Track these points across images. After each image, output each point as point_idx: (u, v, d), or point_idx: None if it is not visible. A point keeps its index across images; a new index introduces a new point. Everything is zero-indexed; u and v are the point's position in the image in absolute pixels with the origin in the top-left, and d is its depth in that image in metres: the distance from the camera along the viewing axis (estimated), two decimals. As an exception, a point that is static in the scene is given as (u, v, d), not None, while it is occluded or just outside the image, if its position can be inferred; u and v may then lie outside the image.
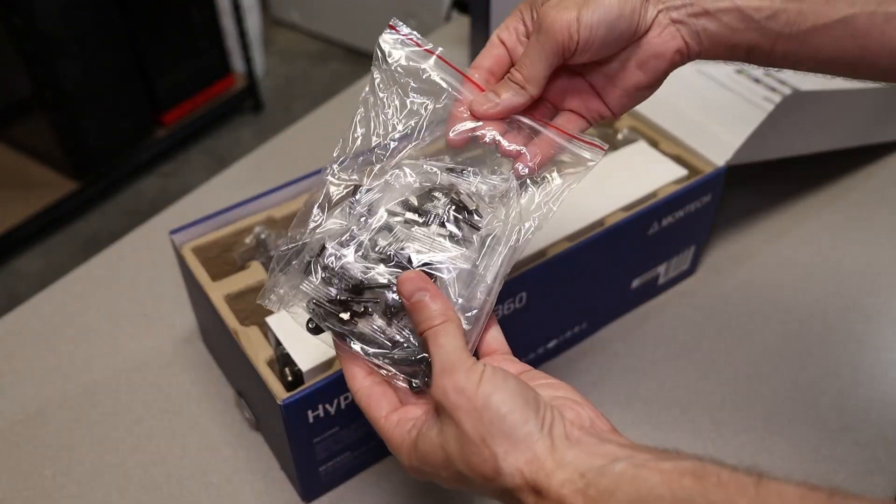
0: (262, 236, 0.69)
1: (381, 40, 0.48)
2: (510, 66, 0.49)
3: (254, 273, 0.66)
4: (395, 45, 0.48)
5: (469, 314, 0.46)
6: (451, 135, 0.48)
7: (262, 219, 0.70)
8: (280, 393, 0.56)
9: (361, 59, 2.60)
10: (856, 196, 0.91)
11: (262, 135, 2.28)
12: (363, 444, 0.64)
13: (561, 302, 0.70)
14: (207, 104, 2.27)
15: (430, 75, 0.48)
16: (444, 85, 0.48)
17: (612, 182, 0.73)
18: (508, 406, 0.40)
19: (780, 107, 0.70)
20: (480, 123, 0.48)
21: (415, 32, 0.49)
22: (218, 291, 0.64)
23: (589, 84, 0.50)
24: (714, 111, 0.81)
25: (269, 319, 0.61)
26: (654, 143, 0.77)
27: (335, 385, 0.57)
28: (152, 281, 0.83)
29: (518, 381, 0.41)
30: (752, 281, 0.82)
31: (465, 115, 0.48)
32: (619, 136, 0.80)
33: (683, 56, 0.48)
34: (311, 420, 0.57)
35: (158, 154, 2.21)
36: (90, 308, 0.81)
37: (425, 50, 0.48)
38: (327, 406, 0.57)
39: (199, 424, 0.70)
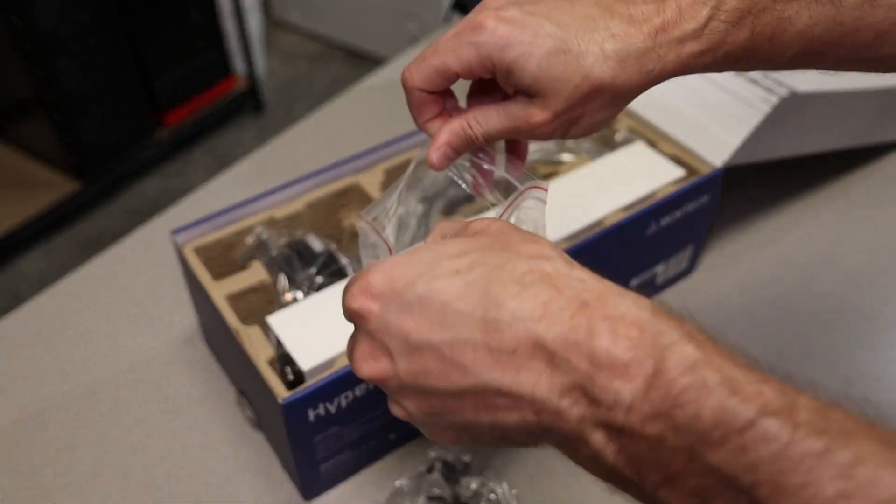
0: (264, 236, 0.69)
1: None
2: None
3: (255, 273, 0.67)
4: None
5: None
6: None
7: (264, 219, 0.70)
8: (281, 392, 0.56)
9: (363, 60, 2.60)
10: (854, 196, 0.91)
11: (264, 135, 2.28)
12: (363, 443, 0.64)
13: (560, 302, 0.70)
14: (209, 105, 2.27)
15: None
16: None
17: (610, 182, 0.73)
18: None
19: (779, 108, 0.70)
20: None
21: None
22: (219, 291, 0.64)
23: None
24: (712, 112, 0.81)
25: (270, 319, 0.62)
26: (652, 144, 0.78)
27: (336, 384, 0.57)
28: (153, 281, 0.83)
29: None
30: (751, 281, 0.82)
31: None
32: (618, 137, 0.80)
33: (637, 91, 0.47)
34: (311, 419, 0.57)
35: (160, 154, 2.21)
36: (91, 308, 0.81)
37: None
38: (328, 405, 0.58)
39: (199, 424, 0.70)
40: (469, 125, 0.45)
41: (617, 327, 0.31)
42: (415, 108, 0.46)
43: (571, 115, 0.44)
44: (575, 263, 0.35)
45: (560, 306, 0.32)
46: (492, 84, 0.46)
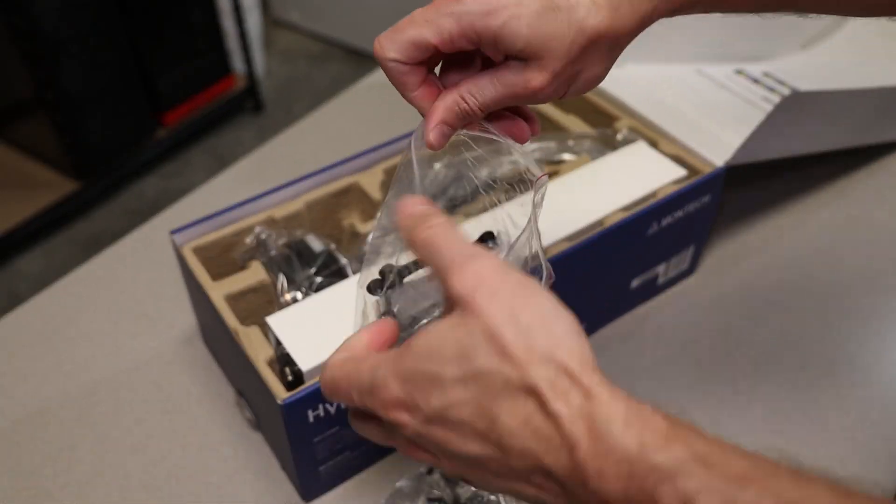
0: (263, 236, 0.69)
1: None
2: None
3: (254, 273, 0.67)
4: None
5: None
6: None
7: (263, 219, 0.70)
8: (280, 392, 0.56)
9: (362, 59, 2.60)
10: (855, 196, 0.91)
11: (263, 135, 2.28)
12: (363, 444, 0.64)
13: (560, 302, 0.70)
14: (208, 104, 2.27)
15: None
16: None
17: (611, 182, 0.73)
18: (551, 300, 0.35)
19: (780, 107, 0.70)
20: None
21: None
22: (218, 291, 0.64)
23: None
24: (713, 111, 0.81)
25: (270, 319, 0.61)
26: (653, 144, 0.77)
27: (335, 385, 0.57)
28: (153, 281, 0.83)
29: (542, 289, 0.36)
30: (752, 281, 0.82)
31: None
32: (619, 137, 0.80)
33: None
34: (311, 419, 0.57)
35: (159, 154, 2.21)
36: (91, 308, 0.81)
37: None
38: (327, 406, 0.58)
39: (199, 424, 0.70)
40: (464, 99, 0.43)
41: (606, 468, 0.31)
42: (395, 81, 0.43)
43: (571, 72, 0.43)
44: (567, 360, 0.33)
45: (557, 445, 0.32)
46: (466, 54, 0.44)
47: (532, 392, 0.32)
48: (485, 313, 0.33)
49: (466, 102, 0.43)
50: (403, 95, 0.44)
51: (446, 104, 0.44)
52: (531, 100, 0.43)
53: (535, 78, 0.42)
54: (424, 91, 0.44)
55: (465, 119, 0.44)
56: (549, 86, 0.42)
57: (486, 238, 0.47)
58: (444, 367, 0.33)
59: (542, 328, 0.33)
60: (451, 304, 0.35)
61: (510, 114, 0.47)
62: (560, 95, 0.44)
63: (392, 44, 0.41)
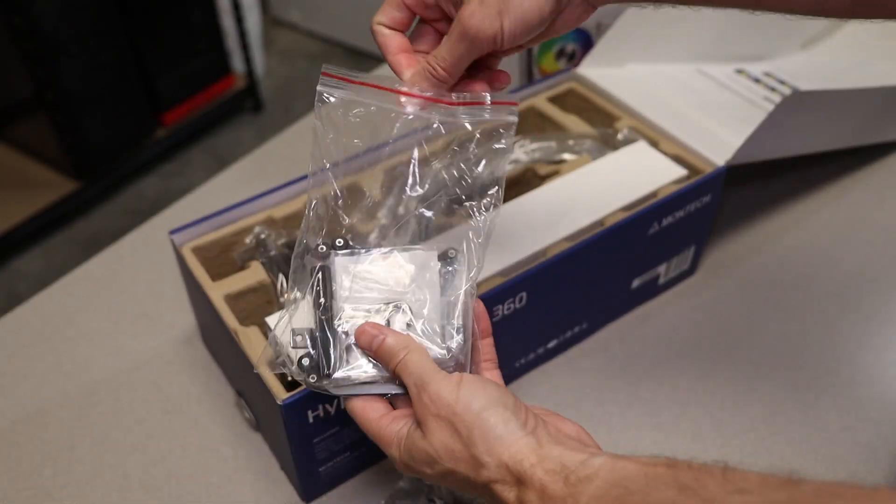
0: (262, 236, 0.69)
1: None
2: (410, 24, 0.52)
3: (254, 273, 0.66)
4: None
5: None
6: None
7: (262, 219, 0.70)
8: (280, 393, 0.56)
9: (362, 58, 2.60)
10: (856, 196, 0.91)
11: (263, 135, 2.28)
12: (363, 444, 0.64)
13: (561, 302, 0.70)
14: (208, 104, 2.27)
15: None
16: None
17: (611, 182, 0.73)
18: (490, 408, 0.43)
19: (781, 107, 0.70)
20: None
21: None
22: (218, 291, 0.64)
23: None
24: (714, 111, 0.81)
25: (269, 319, 0.61)
26: (654, 143, 0.77)
27: (335, 385, 0.57)
28: (152, 281, 0.83)
29: (498, 386, 0.45)
30: (753, 281, 0.82)
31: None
32: (619, 136, 0.80)
33: (590, 12, 0.50)
34: (310, 420, 0.57)
35: (159, 154, 2.21)
36: (90, 308, 0.81)
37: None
38: (327, 406, 0.58)
39: (199, 424, 0.70)
40: (430, 65, 0.49)
41: None
42: (378, 42, 0.51)
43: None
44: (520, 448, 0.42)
45: None
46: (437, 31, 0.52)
47: (486, 486, 0.43)
48: (443, 433, 0.44)
49: (434, 68, 0.49)
50: (385, 57, 0.52)
51: (418, 73, 0.50)
52: (490, 45, 0.47)
53: (474, 12, 0.46)
54: (403, 57, 0.51)
55: (438, 84, 0.50)
56: (487, 19, 0.46)
57: (444, 258, 0.52)
58: (423, 467, 0.45)
59: (482, 438, 0.42)
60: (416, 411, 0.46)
61: (483, 71, 0.52)
62: (518, 42, 0.48)
63: (381, 12, 0.51)
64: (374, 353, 0.48)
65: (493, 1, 0.45)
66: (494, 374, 0.50)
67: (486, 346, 0.50)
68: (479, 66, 0.52)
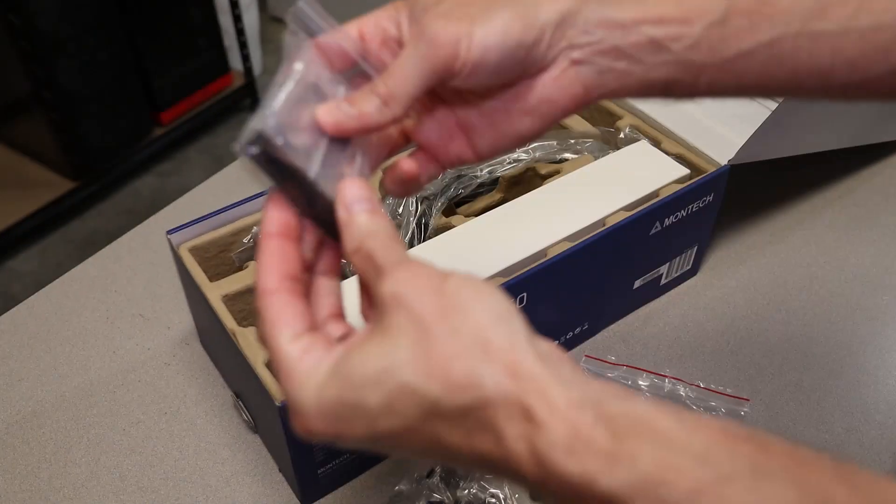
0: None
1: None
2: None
3: (252, 273, 0.66)
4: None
5: None
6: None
7: (261, 219, 0.69)
8: (278, 394, 0.55)
9: (360, 57, 2.60)
10: (860, 195, 0.90)
11: (261, 134, 2.27)
12: (363, 447, 0.63)
13: (562, 303, 0.69)
14: (205, 103, 2.26)
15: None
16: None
17: (613, 181, 0.72)
18: (485, 304, 0.31)
19: (783, 106, 0.70)
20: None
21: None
22: (215, 292, 0.64)
23: (455, 118, 0.42)
24: (717, 110, 0.80)
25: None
26: (656, 143, 0.77)
27: (334, 387, 0.56)
28: (149, 281, 0.82)
29: (495, 288, 0.33)
30: (756, 281, 0.81)
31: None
32: (621, 135, 0.79)
33: (581, 103, 0.41)
34: (310, 422, 0.57)
35: (156, 153, 2.20)
36: (86, 308, 0.80)
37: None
38: (326, 408, 0.57)
39: (196, 426, 0.70)
40: (374, 84, 0.38)
41: (556, 489, 0.29)
42: None
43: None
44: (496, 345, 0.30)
45: (505, 463, 0.30)
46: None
47: (467, 414, 0.30)
48: (421, 318, 0.31)
49: (376, 85, 0.38)
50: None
51: (359, 92, 0.39)
52: (451, 55, 0.37)
53: (438, 15, 0.37)
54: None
55: (380, 108, 0.38)
56: (452, 22, 0.37)
57: None
58: (365, 392, 0.31)
59: (473, 334, 0.30)
60: (375, 311, 0.33)
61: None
62: (486, 70, 0.38)
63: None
64: (346, 217, 0.36)
65: (464, 8, 0.37)
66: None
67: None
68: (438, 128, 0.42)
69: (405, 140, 0.43)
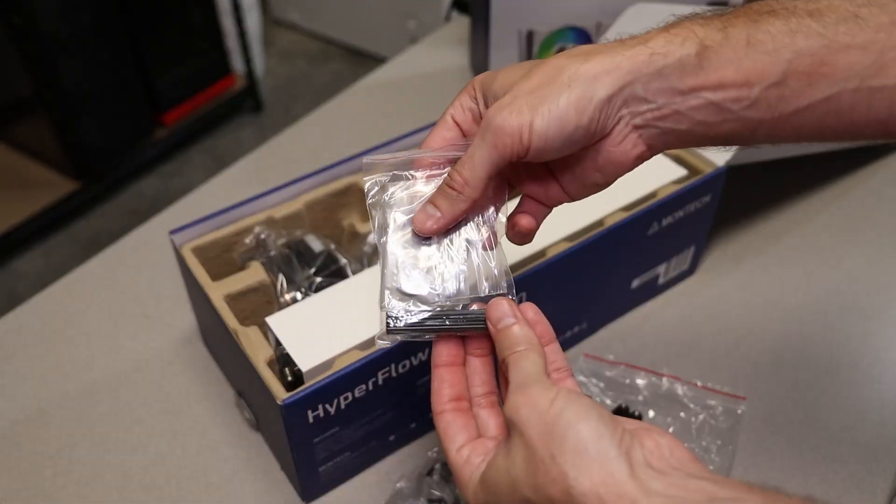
0: (262, 236, 0.69)
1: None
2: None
3: (254, 273, 0.66)
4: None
5: None
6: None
7: (263, 219, 0.70)
8: (280, 393, 0.56)
9: (362, 58, 2.60)
10: (856, 195, 0.91)
11: (263, 135, 2.28)
12: (363, 445, 0.64)
13: (560, 302, 0.70)
14: (207, 104, 2.27)
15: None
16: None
17: (611, 182, 0.73)
18: (583, 421, 0.37)
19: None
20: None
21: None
22: (218, 291, 0.64)
23: (547, 168, 0.47)
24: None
25: (269, 319, 0.61)
26: (653, 143, 0.77)
27: (335, 385, 0.57)
28: (152, 281, 0.83)
29: (593, 402, 0.39)
30: (752, 281, 0.82)
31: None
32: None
33: (646, 158, 0.45)
34: (311, 420, 0.57)
35: (159, 154, 2.21)
36: (90, 308, 0.81)
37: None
38: (327, 406, 0.57)
39: (199, 425, 0.70)
40: (449, 176, 0.45)
41: None
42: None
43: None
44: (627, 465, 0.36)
45: None
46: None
47: None
48: (529, 442, 0.38)
49: (451, 178, 0.45)
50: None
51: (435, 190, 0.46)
52: (516, 143, 0.42)
53: (501, 106, 0.43)
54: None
55: (456, 198, 0.45)
56: (515, 111, 0.42)
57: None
58: (501, 499, 0.39)
59: (573, 452, 0.36)
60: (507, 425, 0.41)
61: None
62: (550, 148, 0.43)
63: (432, 134, 0.48)
64: (495, 331, 0.43)
65: (525, 98, 0.41)
66: (570, 384, 0.44)
67: (552, 353, 0.45)
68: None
69: (511, 187, 0.49)
